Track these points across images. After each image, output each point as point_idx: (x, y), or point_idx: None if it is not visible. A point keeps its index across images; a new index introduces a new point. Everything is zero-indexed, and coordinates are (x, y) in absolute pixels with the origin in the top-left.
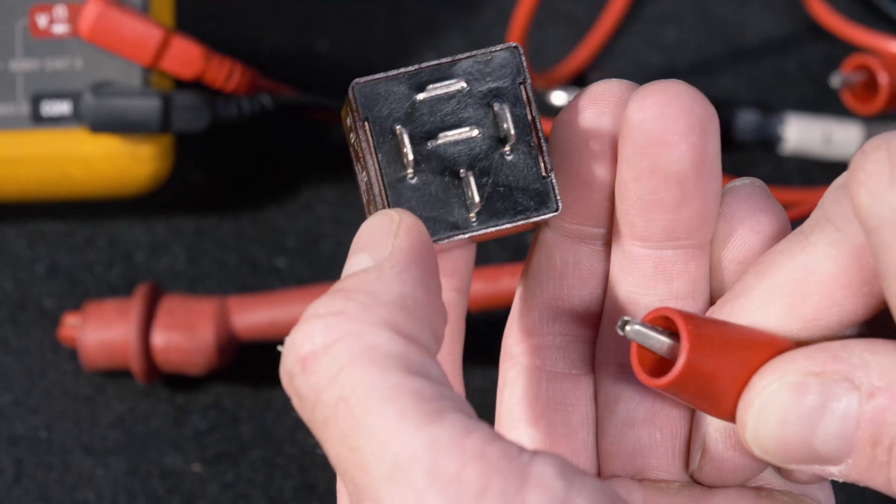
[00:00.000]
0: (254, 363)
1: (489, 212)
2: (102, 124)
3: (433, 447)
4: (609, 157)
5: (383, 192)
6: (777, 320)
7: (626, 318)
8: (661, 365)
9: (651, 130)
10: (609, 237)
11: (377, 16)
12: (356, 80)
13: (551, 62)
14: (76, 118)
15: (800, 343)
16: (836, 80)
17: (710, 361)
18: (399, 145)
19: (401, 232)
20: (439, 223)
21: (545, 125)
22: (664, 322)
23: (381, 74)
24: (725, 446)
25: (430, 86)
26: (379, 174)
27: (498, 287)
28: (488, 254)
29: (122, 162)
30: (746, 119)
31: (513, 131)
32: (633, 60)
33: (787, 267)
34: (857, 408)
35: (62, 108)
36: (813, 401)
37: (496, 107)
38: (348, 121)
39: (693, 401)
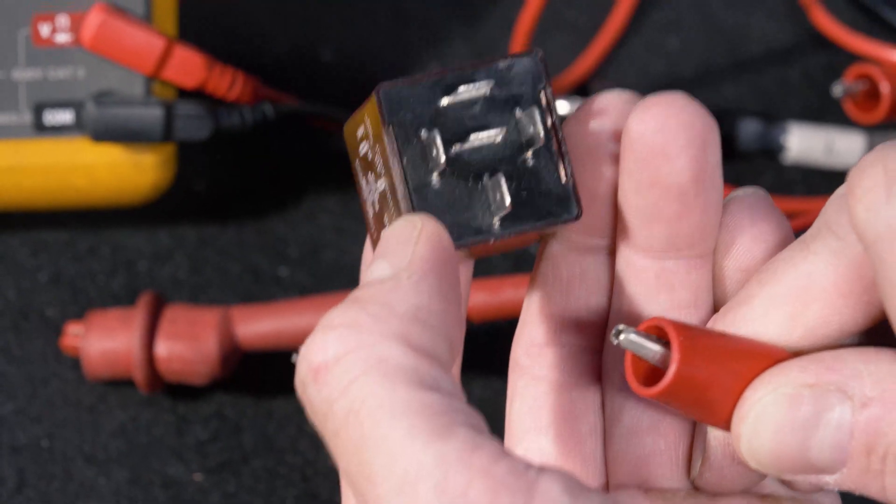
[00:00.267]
0: (256, 373)
1: (512, 217)
2: (105, 133)
3: (441, 463)
4: (612, 169)
5: (408, 196)
6: (779, 328)
7: (619, 327)
8: (655, 374)
9: (651, 143)
10: (613, 248)
11: (381, 24)
12: (381, 84)
13: (555, 70)
14: (79, 127)
15: (799, 353)
16: (837, 90)
17: (702, 371)
18: (424, 150)
19: (422, 239)
20: (462, 227)
21: None
22: (658, 332)
23: (406, 79)
24: (725, 454)
25: (454, 91)
26: (404, 178)
27: (500, 298)
28: (490, 265)
29: (124, 171)
30: (748, 128)
31: (542, 134)
32: (637, 69)
33: (789, 275)
34: (850, 418)
35: (65, 117)
36: (807, 412)
37: (518, 113)
38: (360, 131)
39: (687, 410)
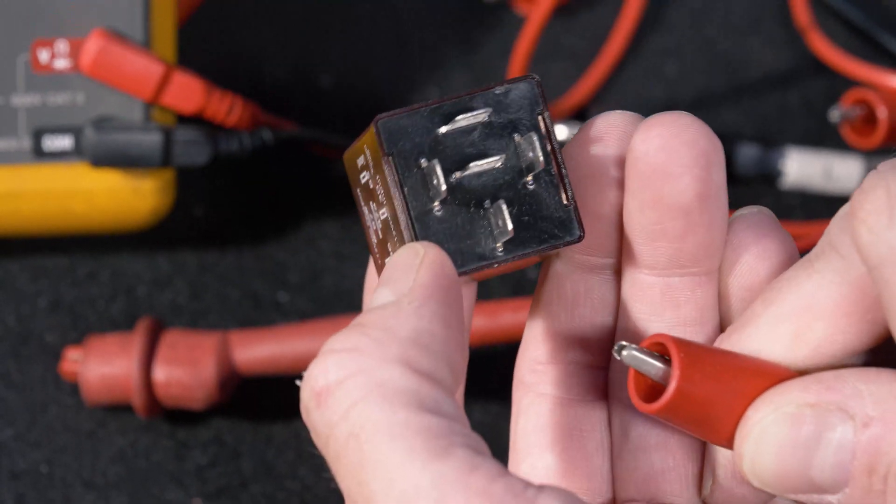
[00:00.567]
0: (255, 398)
1: (514, 241)
2: (104, 159)
3: (439, 483)
4: (615, 189)
5: (411, 225)
6: (784, 348)
7: (622, 343)
8: (657, 391)
9: (655, 162)
10: (619, 266)
11: (380, 50)
12: (379, 115)
13: (553, 96)
14: (78, 153)
15: (804, 372)
16: (835, 115)
17: (703, 389)
18: (425, 178)
19: (424, 266)
20: (466, 254)
21: None
22: (661, 348)
23: (404, 109)
24: (733, 474)
25: (452, 119)
26: (406, 208)
27: (498, 322)
28: (488, 289)
29: (123, 196)
30: (747, 153)
31: (541, 159)
32: (635, 94)
33: (794, 294)
34: (852, 437)
35: (64, 142)
36: (808, 432)
37: (517, 138)
38: (360, 160)
39: (689, 427)
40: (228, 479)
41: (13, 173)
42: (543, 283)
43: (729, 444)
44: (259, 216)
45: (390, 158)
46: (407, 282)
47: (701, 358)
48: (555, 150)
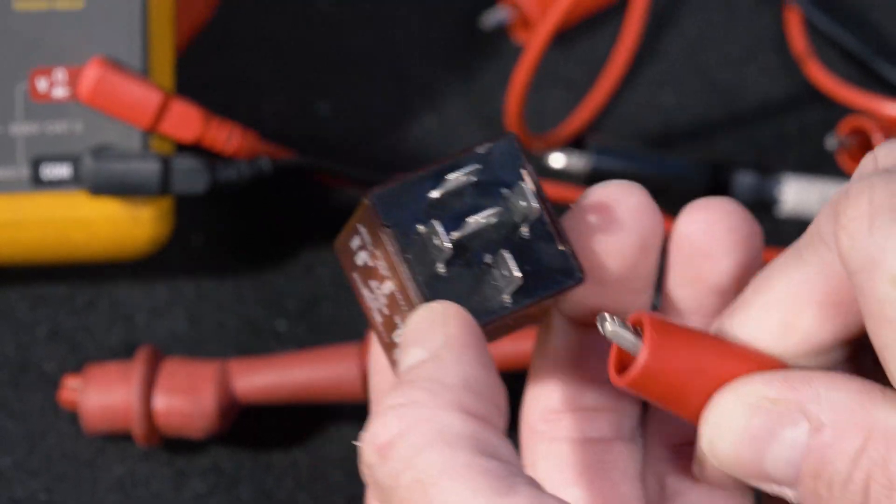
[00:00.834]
0: (253, 426)
1: (521, 291)
2: (102, 187)
3: None
4: (618, 254)
5: (420, 291)
6: (773, 336)
7: (604, 314)
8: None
9: (698, 244)
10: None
11: (378, 79)
12: (370, 191)
13: (550, 124)
14: (76, 181)
15: (791, 362)
16: (831, 143)
17: (674, 366)
18: (425, 243)
19: (449, 320)
20: (476, 310)
21: (548, 188)
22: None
23: (393, 181)
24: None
25: (442, 183)
26: (412, 276)
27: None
28: None
29: (122, 225)
30: (744, 181)
31: (536, 206)
32: (632, 123)
33: (782, 283)
34: (805, 439)
35: (62, 171)
36: (764, 424)
37: (506, 192)
38: (354, 242)
39: (659, 402)
40: None
41: (11, 202)
42: (547, 334)
43: (697, 422)
44: (257, 244)
45: (389, 230)
46: (437, 337)
47: (675, 337)
48: (543, 200)
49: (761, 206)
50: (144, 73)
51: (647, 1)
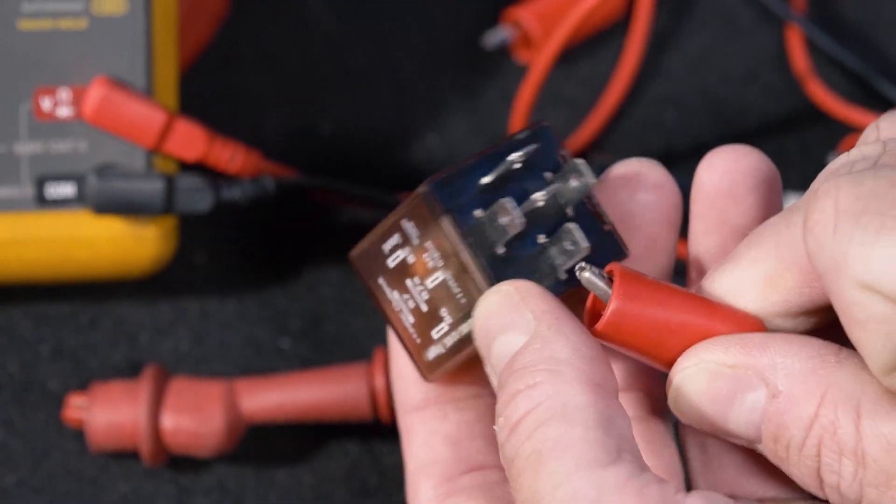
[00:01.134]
0: (257, 444)
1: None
2: (106, 206)
3: (598, 488)
4: (642, 228)
5: (486, 273)
6: (756, 290)
7: (582, 264)
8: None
9: (719, 186)
10: None
11: (380, 98)
12: (426, 182)
13: None
14: (80, 200)
15: (767, 320)
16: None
17: (642, 316)
18: (482, 227)
19: (529, 298)
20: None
21: None
22: None
23: (444, 171)
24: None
25: (490, 170)
26: (473, 258)
27: None
28: None
29: (126, 244)
30: None
31: (591, 179)
32: (635, 142)
33: (771, 241)
34: (763, 403)
35: (66, 190)
36: (724, 389)
37: (549, 175)
38: (388, 244)
39: (630, 352)
40: None
41: (16, 221)
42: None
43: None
44: (261, 263)
45: (449, 215)
46: (525, 316)
47: (645, 288)
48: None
49: None
50: (148, 92)
51: (649, 20)
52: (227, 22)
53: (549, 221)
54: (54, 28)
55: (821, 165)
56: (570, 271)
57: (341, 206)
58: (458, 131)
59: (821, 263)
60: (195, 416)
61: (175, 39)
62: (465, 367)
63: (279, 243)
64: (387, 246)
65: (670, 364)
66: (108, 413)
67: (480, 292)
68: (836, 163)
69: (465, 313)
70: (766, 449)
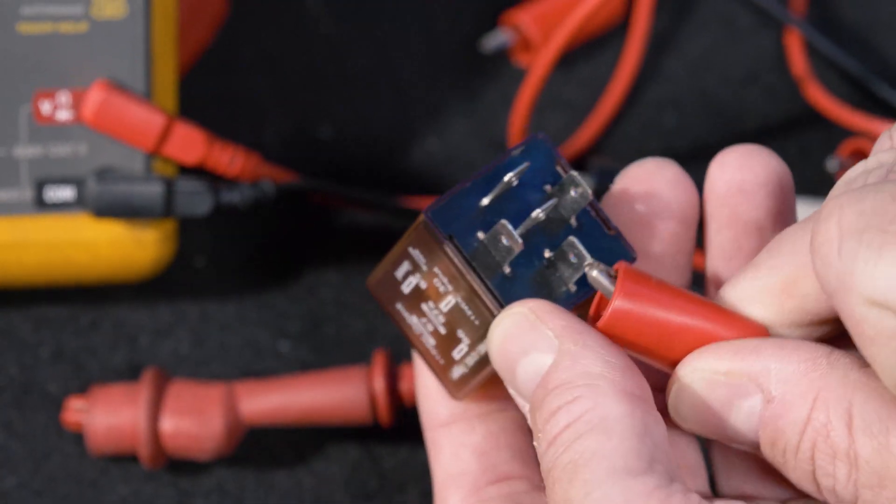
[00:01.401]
0: (257, 447)
1: (583, 278)
2: (106, 210)
3: (626, 496)
4: (660, 227)
5: (494, 294)
6: (774, 296)
7: (591, 261)
8: None
9: (731, 182)
10: None
11: (380, 101)
12: (425, 210)
13: None
14: (80, 203)
15: (780, 329)
16: (832, 165)
17: (644, 315)
18: (487, 248)
19: (544, 315)
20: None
21: None
22: None
23: (443, 197)
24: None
25: (488, 190)
26: (480, 281)
27: None
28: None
29: (125, 247)
30: None
31: (588, 189)
32: (634, 145)
33: (789, 249)
34: (760, 409)
35: (66, 193)
36: (721, 397)
37: (549, 188)
38: (400, 271)
39: (633, 351)
40: None
41: (15, 224)
42: None
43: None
44: (260, 266)
45: (450, 241)
46: (545, 335)
47: (650, 289)
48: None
49: None
50: (147, 95)
51: (648, 23)
52: (227, 25)
53: (553, 234)
54: (54, 31)
55: (820, 169)
56: (579, 283)
57: (341, 208)
58: (457, 134)
59: (829, 283)
60: (194, 418)
61: (174, 43)
62: (492, 382)
63: (279, 246)
64: (399, 273)
65: (673, 365)
66: (108, 416)
67: (492, 313)
68: (854, 171)
69: (481, 334)
70: (766, 454)
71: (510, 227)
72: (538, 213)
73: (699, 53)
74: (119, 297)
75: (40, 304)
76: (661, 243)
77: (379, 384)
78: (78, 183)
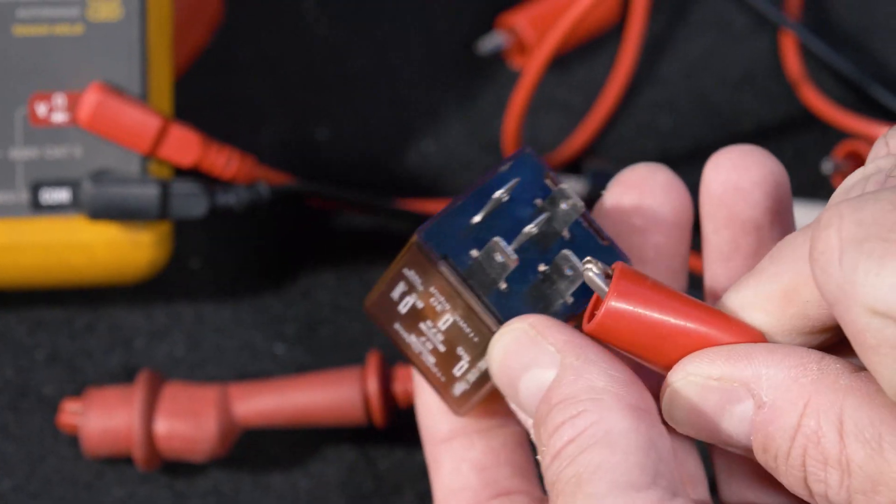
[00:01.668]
0: (253, 449)
1: (578, 291)
2: (101, 212)
3: None
4: (654, 232)
5: (491, 311)
6: (775, 302)
7: (589, 259)
8: None
9: (727, 182)
10: None
11: (376, 103)
12: (417, 231)
13: (547, 149)
14: (75, 206)
15: (779, 335)
16: (827, 167)
17: (637, 316)
18: (482, 265)
19: (545, 331)
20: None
21: None
22: None
23: (434, 217)
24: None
25: (478, 207)
26: (478, 298)
27: None
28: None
29: (121, 249)
30: None
31: (580, 205)
32: (629, 147)
33: (790, 256)
34: (752, 414)
35: (61, 195)
36: (714, 402)
37: (539, 202)
38: (396, 292)
39: (626, 351)
40: None
41: (10, 226)
42: None
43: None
44: (256, 268)
45: (445, 260)
46: (546, 350)
47: (644, 290)
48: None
49: None
50: (143, 98)
51: (643, 25)
52: (223, 27)
53: (546, 248)
54: (50, 34)
55: (815, 171)
56: (576, 294)
57: (337, 211)
58: (453, 136)
59: (829, 292)
60: (189, 420)
61: (170, 45)
62: (493, 397)
63: (274, 248)
64: (395, 294)
65: (666, 368)
66: (103, 418)
67: (490, 330)
68: (852, 178)
69: (480, 350)
70: (759, 458)
71: (503, 243)
72: (531, 228)
73: (695, 56)
74: (115, 300)
75: (36, 307)
76: (655, 249)
77: (372, 385)
78: (73, 185)
